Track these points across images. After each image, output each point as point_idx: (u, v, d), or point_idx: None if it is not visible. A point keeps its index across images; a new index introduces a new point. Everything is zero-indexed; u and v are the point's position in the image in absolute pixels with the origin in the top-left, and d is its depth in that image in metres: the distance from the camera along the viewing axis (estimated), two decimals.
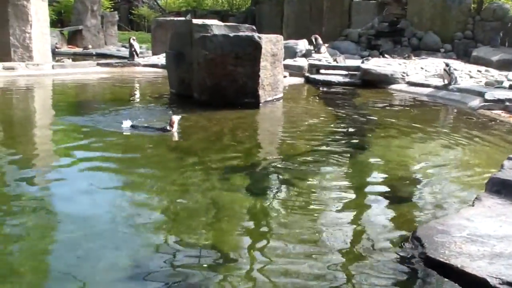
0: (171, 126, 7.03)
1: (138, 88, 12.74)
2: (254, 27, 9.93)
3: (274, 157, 6.19)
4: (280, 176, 5.35)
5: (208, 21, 9.99)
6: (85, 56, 21.24)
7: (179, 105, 8.79)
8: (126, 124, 7.19)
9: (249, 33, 9.29)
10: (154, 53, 18.33)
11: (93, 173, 5.36)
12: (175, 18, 17.61)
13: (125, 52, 19.65)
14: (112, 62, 14.96)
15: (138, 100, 10.59)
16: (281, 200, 4.64)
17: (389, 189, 5.03)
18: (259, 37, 8.97)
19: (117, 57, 19.30)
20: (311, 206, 4.47)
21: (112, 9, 30.93)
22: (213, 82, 9.12)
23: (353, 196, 4.83)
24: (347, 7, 20.58)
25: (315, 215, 4.28)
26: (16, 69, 13.23)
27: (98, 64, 14.57)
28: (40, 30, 15.12)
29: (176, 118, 7.15)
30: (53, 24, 19.58)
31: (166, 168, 5.66)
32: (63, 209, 4.25)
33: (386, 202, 4.68)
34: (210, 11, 28.77)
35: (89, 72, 13.91)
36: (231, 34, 9.07)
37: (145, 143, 6.59)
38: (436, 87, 11.59)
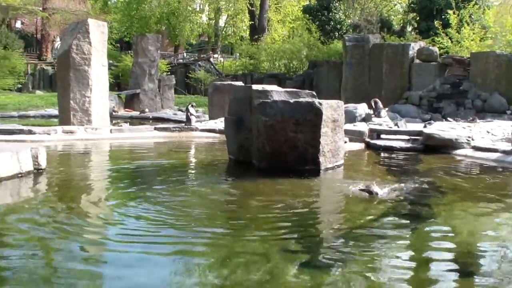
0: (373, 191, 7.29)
1: (195, 153, 12.64)
2: (314, 93, 9.69)
3: (335, 227, 5.90)
4: (341, 248, 5.02)
5: (267, 87, 9.85)
6: (142, 120, 21.59)
7: (238, 171, 8.59)
8: None
9: (309, 99, 9.06)
10: (211, 117, 18.37)
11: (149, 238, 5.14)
12: (233, 82, 17.67)
13: (181, 115, 19.82)
14: (169, 127, 15.01)
15: (196, 166, 10.46)
16: (340, 273, 4.31)
17: (457, 264, 4.64)
18: (320, 103, 8.73)
19: (174, 121, 19.50)
20: (372, 282, 4.11)
21: (169, 73, 31.59)
22: (272, 149, 8.86)
23: (417, 271, 4.44)
24: (407, 69, 20.23)
25: None
26: (75, 133, 13.37)
27: (155, 129, 14.65)
28: (99, 94, 15.42)
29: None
30: (111, 87, 20.01)
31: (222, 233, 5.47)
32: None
33: (453, 278, 4.31)
34: (267, 75, 28.96)
35: (147, 137, 13.94)
36: (291, 100, 8.85)
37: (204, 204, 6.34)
38: (504, 152, 10.97)
